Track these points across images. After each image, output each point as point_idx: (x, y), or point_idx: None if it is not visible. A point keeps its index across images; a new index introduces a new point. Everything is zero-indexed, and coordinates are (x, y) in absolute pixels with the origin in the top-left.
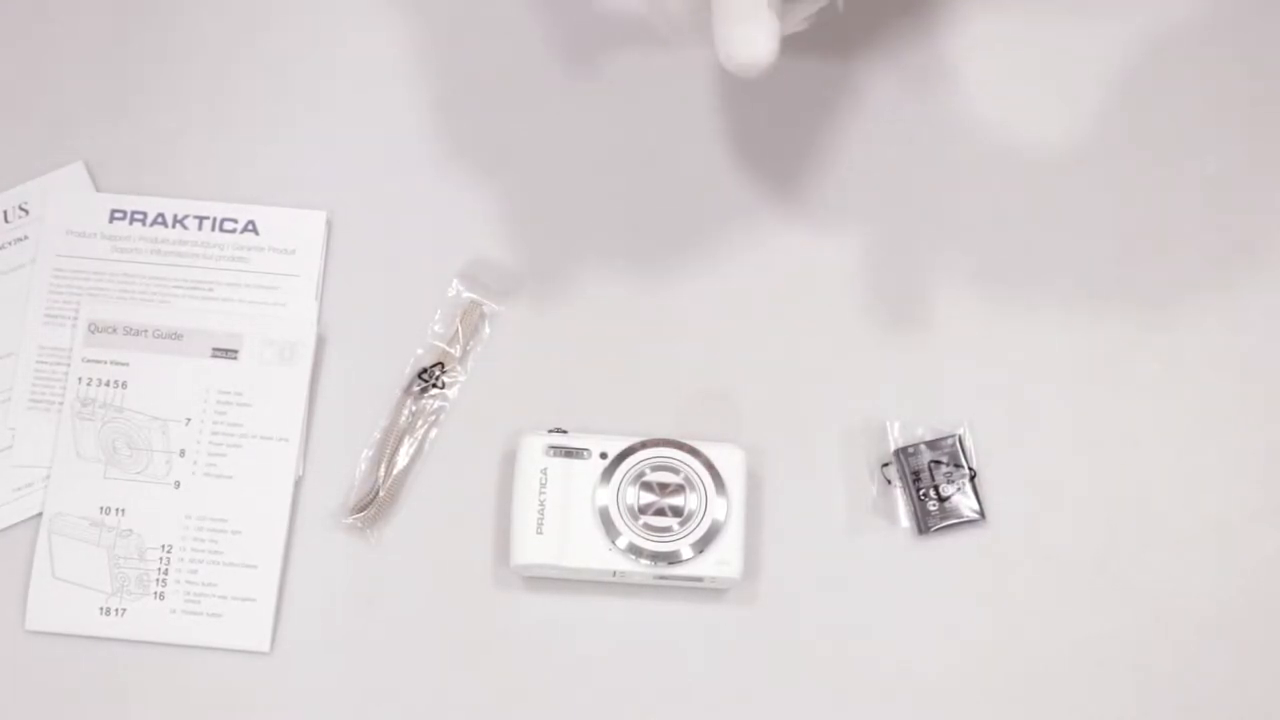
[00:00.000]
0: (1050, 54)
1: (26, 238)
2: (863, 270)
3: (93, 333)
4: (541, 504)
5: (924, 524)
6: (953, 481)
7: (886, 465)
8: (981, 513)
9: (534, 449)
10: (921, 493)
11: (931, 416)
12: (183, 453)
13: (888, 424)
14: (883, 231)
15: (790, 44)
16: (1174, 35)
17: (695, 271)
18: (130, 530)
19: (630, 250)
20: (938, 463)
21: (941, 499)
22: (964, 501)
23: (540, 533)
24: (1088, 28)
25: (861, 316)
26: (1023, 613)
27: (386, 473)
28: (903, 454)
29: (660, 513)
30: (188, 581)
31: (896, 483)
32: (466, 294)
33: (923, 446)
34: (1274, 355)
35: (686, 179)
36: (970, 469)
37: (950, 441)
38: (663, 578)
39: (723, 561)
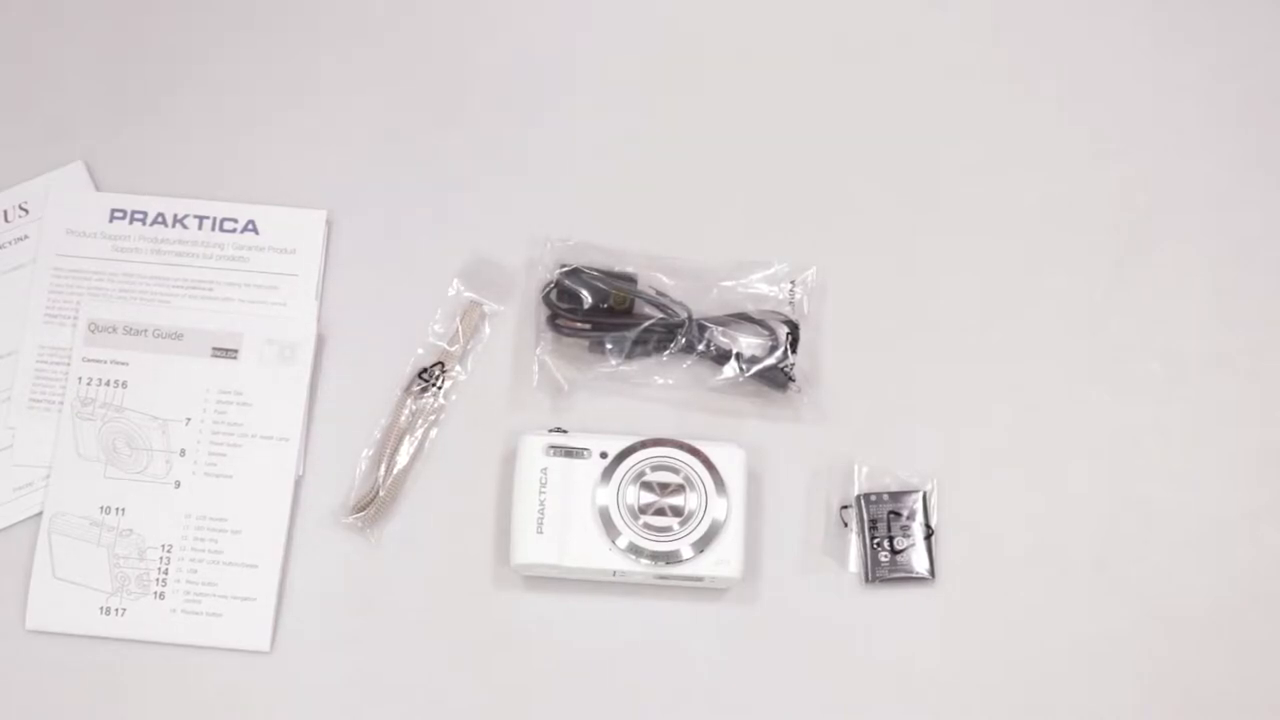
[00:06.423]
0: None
1: (26, 237)
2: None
3: (93, 332)
4: (541, 504)
5: (872, 573)
6: (909, 536)
7: (846, 508)
8: (932, 572)
9: (534, 449)
10: (875, 542)
11: (903, 467)
12: (183, 452)
13: (856, 466)
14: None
15: None
16: (1168, 41)
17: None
18: (130, 530)
19: (631, 248)
20: (896, 514)
21: (894, 551)
22: (916, 558)
23: (540, 533)
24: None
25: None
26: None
27: (386, 472)
28: (864, 500)
29: (660, 512)
30: (188, 581)
31: (853, 527)
32: (466, 294)
33: (885, 496)
34: (1274, 355)
35: (687, 180)
36: (929, 527)
37: (914, 496)
38: (663, 577)
39: (722, 561)
